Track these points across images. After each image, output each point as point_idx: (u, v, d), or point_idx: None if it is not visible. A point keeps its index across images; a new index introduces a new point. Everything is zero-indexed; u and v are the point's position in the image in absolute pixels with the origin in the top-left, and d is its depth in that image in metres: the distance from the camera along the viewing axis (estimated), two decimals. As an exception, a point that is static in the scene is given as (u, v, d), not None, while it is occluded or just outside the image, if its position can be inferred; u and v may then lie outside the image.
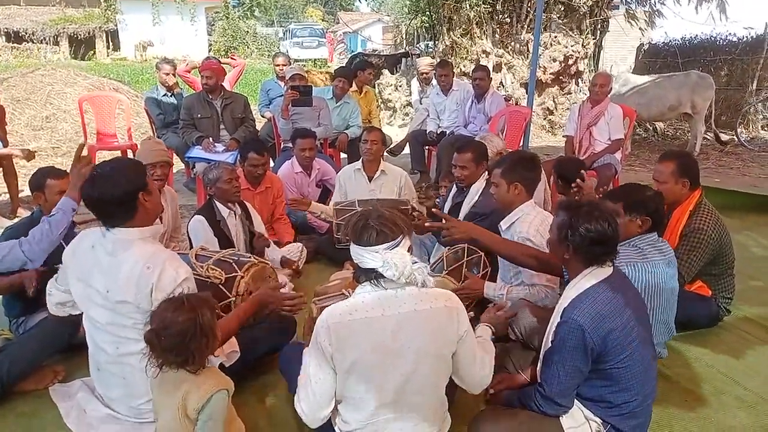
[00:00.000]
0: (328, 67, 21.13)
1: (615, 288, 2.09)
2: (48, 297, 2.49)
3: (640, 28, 12.14)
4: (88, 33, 23.86)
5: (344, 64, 13.18)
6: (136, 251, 2.19)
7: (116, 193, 2.15)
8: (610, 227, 2.09)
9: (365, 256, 1.85)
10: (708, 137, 9.62)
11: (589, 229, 2.07)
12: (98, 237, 2.27)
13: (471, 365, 2.02)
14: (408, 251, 1.89)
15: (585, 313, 2.00)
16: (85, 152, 2.80)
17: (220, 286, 2.80)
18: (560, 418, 2.08)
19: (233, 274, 2.85)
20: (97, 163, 2.55)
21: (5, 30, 22.69)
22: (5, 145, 5.59)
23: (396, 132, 10.07)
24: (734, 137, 10.03)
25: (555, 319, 2.14)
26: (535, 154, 3.36)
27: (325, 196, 5.32)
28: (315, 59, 25.52)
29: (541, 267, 2.78)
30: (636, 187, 2.90)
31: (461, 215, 3.79)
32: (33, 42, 22.86)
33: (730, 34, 11.83)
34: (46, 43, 23.02)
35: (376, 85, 11.44)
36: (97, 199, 2.17)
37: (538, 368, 2.20)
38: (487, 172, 3.81)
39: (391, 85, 11.93)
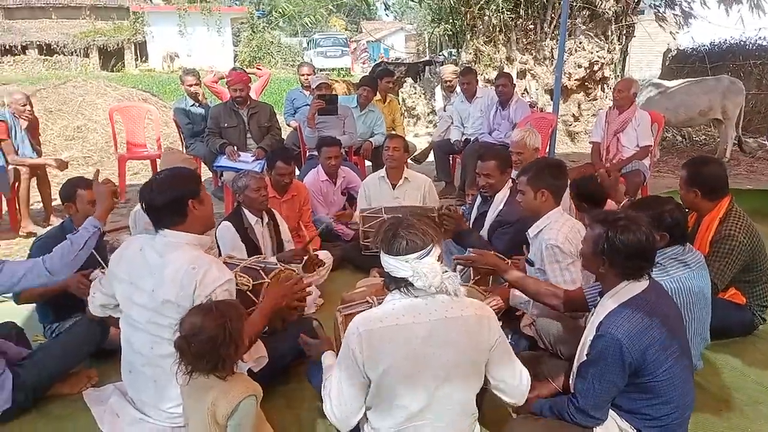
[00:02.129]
0: (351, 76, 21.22)
1: (652, 301, 2.06)
2: (90, 299, 2.55)
3: (670, 32, 11.96)
4: (117, 45, 24.33)
5: (368, 73, 13.24)
6: (184, 254, 2.29)
7: (165, 198, 2.30)
8: (647, 240, 2.06)
9: (395, 265, 1.86)
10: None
11: (625, 242, 2.04)
12: (147, 240, 2.39)
13: (510, 372, 2.01)
14: (438, 260, 1.89)
15: (622, 327, 1.97)
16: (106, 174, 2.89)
17: (248, 292, 2.83)
18: (594, 429, 2.06)
19: (260, 281, 2.88)
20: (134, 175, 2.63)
21: (38, 43, 23.26)
22: (39, 155, 5.74)
23: (419, 141, 10.07)
24: (765, 143, 9.83)
25: (590, 331, 2.11)
26: (561, 161, 3.33)
27: (350, 203, 5.34)
28: (338, 68, 25.69)
29: (565, 306, 2.60)
30: (656, 201, 2.81)
31: (486, 224, 3.76)
32: (64, 54, 23.38)
33: (760, 38, 11.62)
34: (77, 56, 23.54)
35: (399, 93, 11.47)
36: (148, 201, 2.33)
37: (571, 380, 2.18)
38: (511, 180, 3.79)
39: (415, 93, 11.95)
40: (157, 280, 2.26)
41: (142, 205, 2.38)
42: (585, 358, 2.09)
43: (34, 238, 3.70)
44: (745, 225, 3.18)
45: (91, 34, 24.21)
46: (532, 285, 2.71)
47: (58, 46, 23.37)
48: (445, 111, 7.58)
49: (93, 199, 3.07)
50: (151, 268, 2.29)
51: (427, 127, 11.28)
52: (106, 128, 8.76)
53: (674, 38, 12.34)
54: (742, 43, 11.88)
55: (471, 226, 3.96)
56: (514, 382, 2.02)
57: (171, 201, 2.30)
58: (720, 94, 8.72)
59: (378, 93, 6.85)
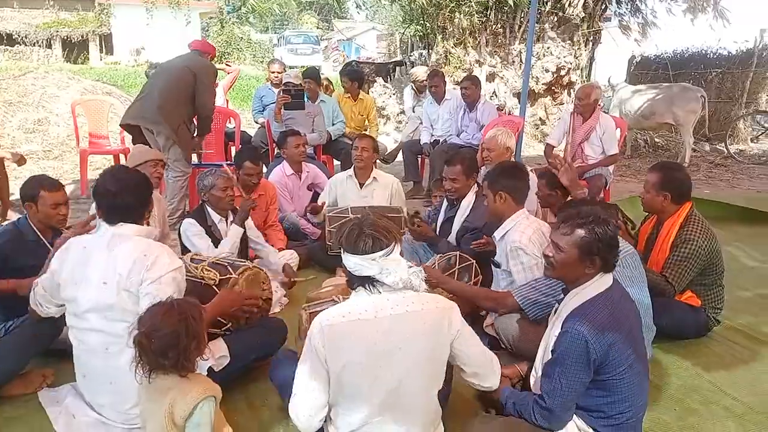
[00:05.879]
0: (322, 74, 21.09)
1: (616, 299, 2.10)
2: (38, 307, 2.50)
3: (635, 40, 12.25)
4: (82, 37, 23.71)
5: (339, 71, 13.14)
6: (133, 243, 2.31)
7: (138, 195, 2.39)
8: (610, 226, 2.13)
9: (362, 264, 1.87)
10: (697, 149, 9.70)
11: (612, 234, 2.10)
12: (89, 238, 2.42)
13: (481, 358, 2.05)
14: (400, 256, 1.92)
15: (588, 323, 1.99)
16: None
17: (214, 287, 2.81)
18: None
19: (227, 276, 2.86)
20: (105, 169, 2.63)
21: (-2, 32, 22.53)
22: (-3, 147, 5.56)
23: (389, 141, 10.07)
24: (723, 150, 10.14)
25: (555, 328, 2.13)
26: (518, 163, 3.38)
27: (316, 200, 5.30)
28: (308, 66, 25.55)
29: (496, 305, 2.92)
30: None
31: (453, 229, 3.80)
32: (26, 45, 22.68)
33: (720, 47, 11.96)
34: (39, 46, 22.86)
35: (370, 93, 11.45)
36: (119, 201, 2.33)
37: (533, 380, 2.20)
38: (476, 185, 3.83)
39: (385, 93, 11.96)
40: (107, 271, 2.25)
41: (104, 202, 2.36)
42: (550, 356, 2.11)
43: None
44: (704, 229, 3.26)
45: (54, 24, 23.52)
46: (469, 290, 3.09)
47: (19, 36, 22.64)
48: (413, 112, 7.61)
49: (56, 203, 2.97)
50: (98, 262, 2.28)
51: (397, 127, 11.30)
52: (68, 122, 8.54)
53: (639, 45, 12.64)
54: (703, 51, 12.21)
55: (438, 230, 3.99)
56: (487, 366, 2.07)
57: (142, 198, 2.40)
58: (666, 100, 8.94)
59: (349, 93, 6.86)
